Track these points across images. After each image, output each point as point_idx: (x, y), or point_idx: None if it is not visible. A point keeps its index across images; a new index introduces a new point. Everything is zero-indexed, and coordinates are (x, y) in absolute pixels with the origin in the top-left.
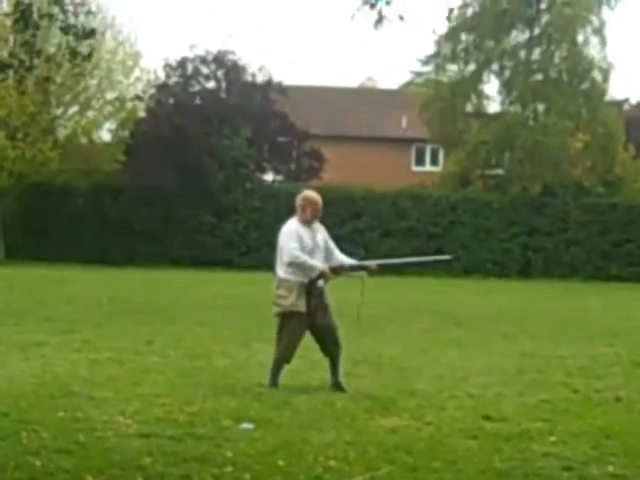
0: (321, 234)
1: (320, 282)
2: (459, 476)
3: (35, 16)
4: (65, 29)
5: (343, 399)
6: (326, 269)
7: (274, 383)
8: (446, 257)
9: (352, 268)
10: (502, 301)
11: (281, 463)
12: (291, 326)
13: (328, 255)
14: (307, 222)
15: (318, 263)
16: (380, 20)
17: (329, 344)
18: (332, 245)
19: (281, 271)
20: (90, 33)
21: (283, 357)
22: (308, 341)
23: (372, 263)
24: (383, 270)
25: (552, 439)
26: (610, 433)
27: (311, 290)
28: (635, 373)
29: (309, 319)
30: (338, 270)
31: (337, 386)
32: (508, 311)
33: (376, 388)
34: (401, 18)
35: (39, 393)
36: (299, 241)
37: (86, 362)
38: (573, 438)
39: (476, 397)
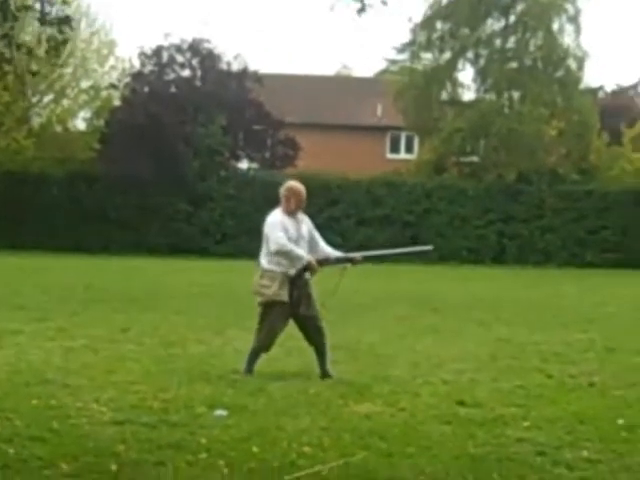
0: (306, 225)
1: (307, 274)
2: (433, 461)
3: (13, 8)
4: (42, 20)
5: (318, 386)
6: (313, 261)
7: (249, 370)
8: (428, 247)
9: (338, 260)
10: (477, 288)
11: (255, 449)
12: (273, 316)
13: (313, 246)
14: (291, 213)
15: (305, 253)
16: (363, 8)
17: (313, 334)
18: (317, 236)
19: (265, 261)
20: (65, 20)
21: (262, 345)
22: (287, 328)
23: (357, 255)
24: (367, 261)
25: (526, 424)
26: (584, 418)
27: (296, 281)
28: (609, 359)
29: (291, 309)
30: (324, 262)
31: (325, 375)
32: (483, 298)
33: (351, 374)
34: (384, 3)
35: (13, 381)
36: (284, 231)
37: (61, 350)
38: (547, 423)
39: (450, 383)
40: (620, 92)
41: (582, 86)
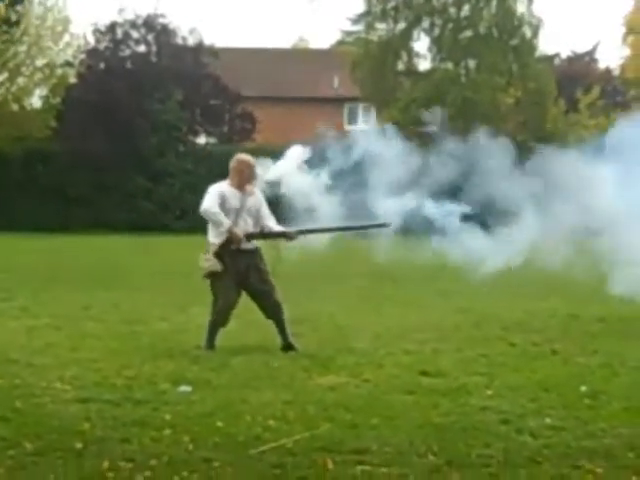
0: (255, 199)
1: (232, 246)
2: (398, 432)
3: None
4: None
5: (280, 359)
6: (234, 230)
7: (210, 345)
8: (381, 223)
9: (271, 235)
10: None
11: (220, 424)
12: (218, 288)
13: (258, 220)
14: (238, 185)
15: (227, 220)
16: None
17: (269, 307)
18: (264, 211)
19: (210, 235)
20: None
21: (217, 320)
22: (244, 301)
23: (292, 230)
24: (305, 235)
25: (490, 393)
26: (547, 386)
27: (224, 251)
28: (570, 326)
29: (238, 281)
30: (255, 236)
31: (289, 347)
32: (444, 268)
33: (314, 347)
34: None
35: None
36: (220, 200)
37: (24, 329)
38: (511, 391)
39: (413, 353)
40: (576, 59)
41: (538, 54)
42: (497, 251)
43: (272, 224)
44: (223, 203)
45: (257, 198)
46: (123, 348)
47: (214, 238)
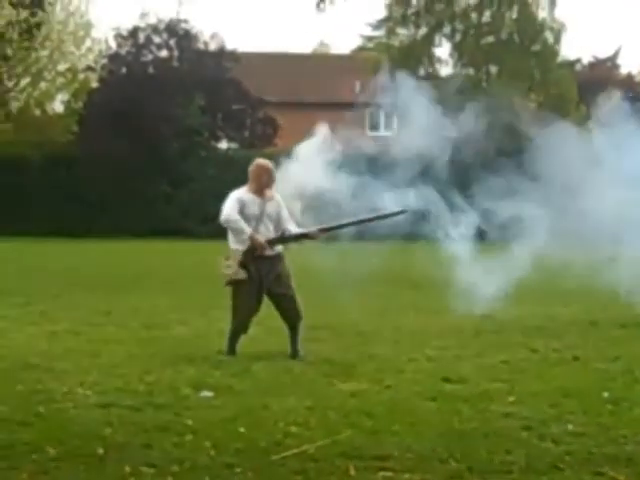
0: (274, 204)
1: (256, 253)
2: (419, 438)
3: None
4: (15, 3)
5: (302, 365)
6: (256, 237)
7: (231, 352)
8: (399, 211)
9: (293, 237)
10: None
11: (242, 430)
12: (239, 295)
13: (279, 225)
14: (257, 190)
15: (248, 228)
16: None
17: (288, 313)
18: (285, 216)
19: (231, 242)
20: (38, 3)
21: (237, 327)
22: (266, 308)
23: (314, 230)
24: (329, 233)
25: (511, 399)
26: (569, 392)
27: (247, 259)
28: (591, 332)
29: (259, 288)
30: (278, 241)
31: (294, 355)
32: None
33: (335, 353)
34: None
35: None
36: (239, 207)
37: (44, 334)
38: (532, 398)
39: (435, 359)
40: (597, 64)
41: (559, 59)
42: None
43: (292, 227)
44: (243, 210)
45: (277, 202)
46: (144, 353)
47: (235, 244)
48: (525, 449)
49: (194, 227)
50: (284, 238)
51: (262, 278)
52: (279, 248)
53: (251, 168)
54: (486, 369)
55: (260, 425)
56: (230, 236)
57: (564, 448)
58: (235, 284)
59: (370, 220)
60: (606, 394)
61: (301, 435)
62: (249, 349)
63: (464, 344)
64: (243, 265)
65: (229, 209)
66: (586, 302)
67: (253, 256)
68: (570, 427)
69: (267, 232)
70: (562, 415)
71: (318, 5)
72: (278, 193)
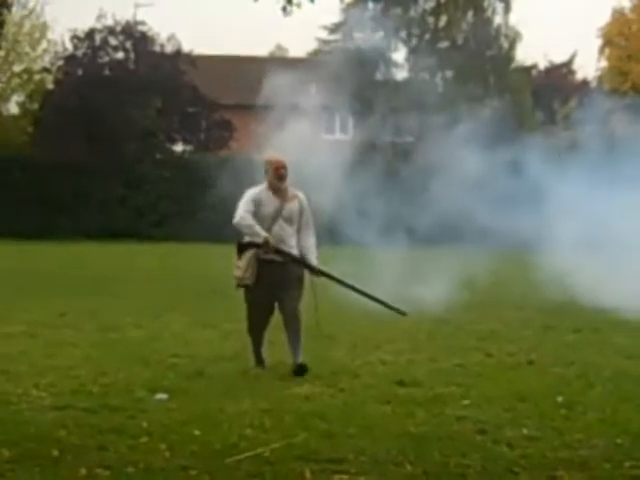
0: (294, 205)
1: (261, 251)
2: (374, 441)
3: None
4: None
5: (257, 368)
6: (270, 241)
7: (258, 362)
8: (401, 311)
9: (293, 260)
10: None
11: (197, 432)
12: (247, 301)
13: (298, 230)
14: (274, 187)
15: (263, 232)
16: (290, 2)
17: (286, 314)
18: (305, 221)
19: (245, 239)
20: (2, 2)
21: (250, 335)
22: (222, 312)
23: (315, 267)
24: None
25: (466, 403)
26: (524, 396)
27: (258, 262)
28: (545, 336)
29: (271, 294)
30: (281, 253)
31: (300, 369)
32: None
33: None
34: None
35: None
36: (254, 206)
37: None
38: (487, 402)
39: (389, 363)
40: (553, 70)
41: (515, 64)
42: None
43: (308, 244)
44: (258, 209)
45: (298, 204)
46: (99, 355)
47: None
48: (480, 453)
49: (149, 229)
50: (291, 257)
51: (273, 283)
52: (295, 253)
53: (263, 165)
54: (440, 373)
55: (215, 428)
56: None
57: (519, 452)
58: (245, 287)
59: (371, 298)
60: (560, 398)
61: (256, 438)
62: (205, 352)
63: (418, 348)
64: (251, 269)
65: (242, 211)
66: (540, 306)
67: (264, 260)
68: (525, 431)
69: (281, 232)
70: (517, 419)
71: (284, 9)
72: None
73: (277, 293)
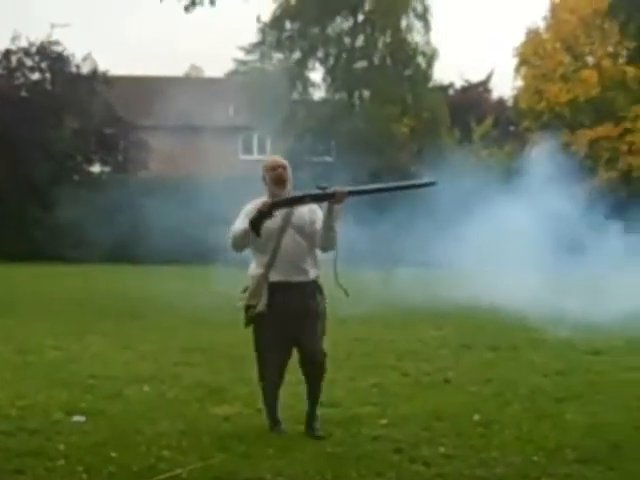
0: (305, 212)
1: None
2: (292, 462)
3: None
4: None
5: (174, 389)
6: (267, 201)
7: (271, 421)
8: (430, 181)
9: (310, 197)
10: None
11: (114, 454)
12: (255, 334)
13: (314, 241)
14: (275, 194)
15: (245, 221)
16: (193, 3)
17: (306, 364)
18: (319, 229)
19: (251, 267)
20: None
21: (261, 385)
22: (127, 333)
23: (341, 189)
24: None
25: (383, 422)
26: (440, 415)
27: (267, 288)
28: (463, 355)
29: (284, 329)
30: (287, 202)
31: (312, 431)
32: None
33: (207, 376)
34: (212, 3)
35: None
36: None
37: None
38: (404, 421)
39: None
40: (470, 88)
41: (432, 83)
42: None
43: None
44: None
45: (309, 210)
46: (17, 378)
47: (256, 269)
48: (396, 472)
49: (66, 251)
50: (298, 198)
51: (288, 317)
52: (312, 275)
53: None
54: (358, 392)
55: (133, 449)
56: (252, 262)
57: (435, 470)
58: (254, 323)
59: (400, 189)
60: (477, 417)
61: (174, 459)
62: (121, 374)
63: (337, 367)
64: (258, 294)
65: (235, 228)
66: (458, 325)
67: (273, 284)
68: (441, 449)
69: (295, 247)
70: (434, 438)
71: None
72: None
73: (293, 329)
